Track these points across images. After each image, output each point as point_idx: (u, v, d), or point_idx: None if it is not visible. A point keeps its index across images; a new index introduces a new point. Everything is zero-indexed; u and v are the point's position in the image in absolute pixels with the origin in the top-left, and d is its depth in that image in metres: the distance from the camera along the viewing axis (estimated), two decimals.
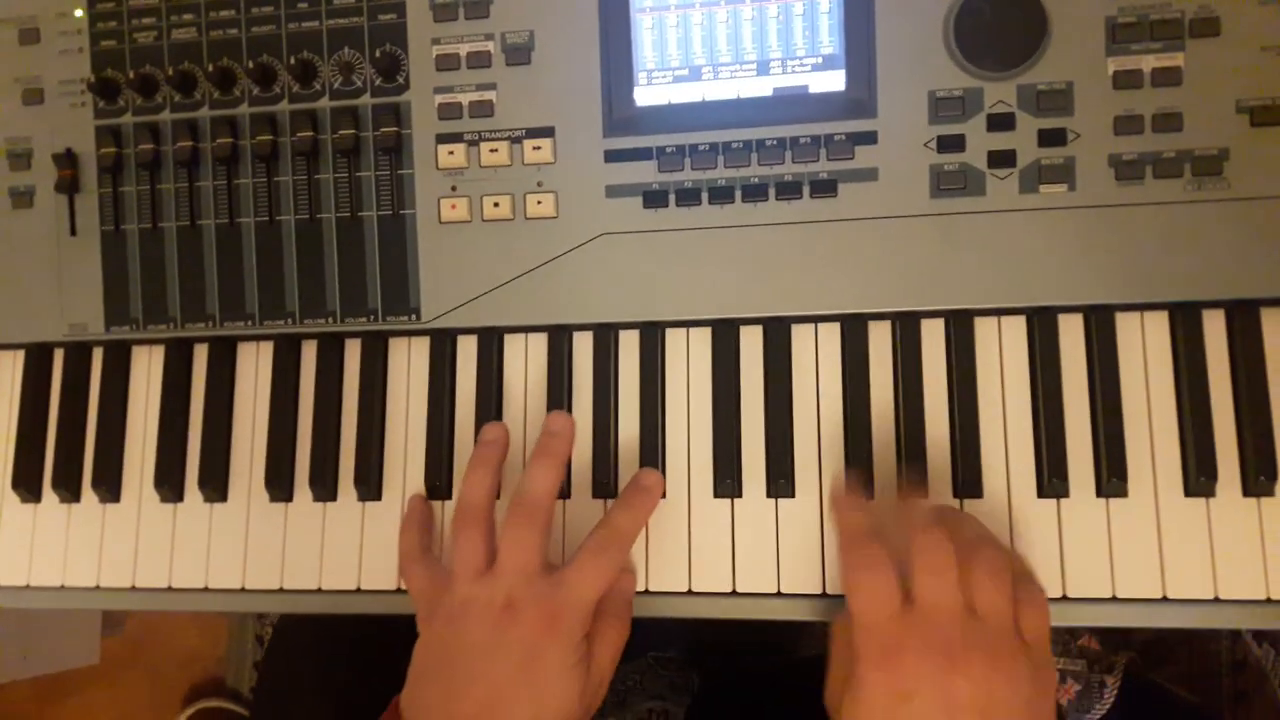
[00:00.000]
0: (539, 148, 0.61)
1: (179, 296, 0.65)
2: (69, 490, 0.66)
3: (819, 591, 0.59)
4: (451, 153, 0.62)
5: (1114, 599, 0.56)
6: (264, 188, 0.64)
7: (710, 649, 1.26)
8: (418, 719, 0.54)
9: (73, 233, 0.66)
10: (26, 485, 0.67)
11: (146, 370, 0.67)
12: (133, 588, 0.65)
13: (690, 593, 0.60)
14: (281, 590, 0.64)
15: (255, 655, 1.38)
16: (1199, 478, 0.56)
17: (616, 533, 0.57)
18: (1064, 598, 0.56)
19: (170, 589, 0.65)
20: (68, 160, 0.65)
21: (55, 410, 0.67)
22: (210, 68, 0.64)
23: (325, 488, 0.63)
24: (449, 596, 0.55)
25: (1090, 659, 1.17)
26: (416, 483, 0.63)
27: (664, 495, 0.60)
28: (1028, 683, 0.48)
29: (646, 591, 0.60)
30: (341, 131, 0.63)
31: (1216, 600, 0.55)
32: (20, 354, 0.68)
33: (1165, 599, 0.56)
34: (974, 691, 0.47)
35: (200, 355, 0.67)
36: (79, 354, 0.67)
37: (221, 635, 1.40)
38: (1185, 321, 0.57)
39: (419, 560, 0.59)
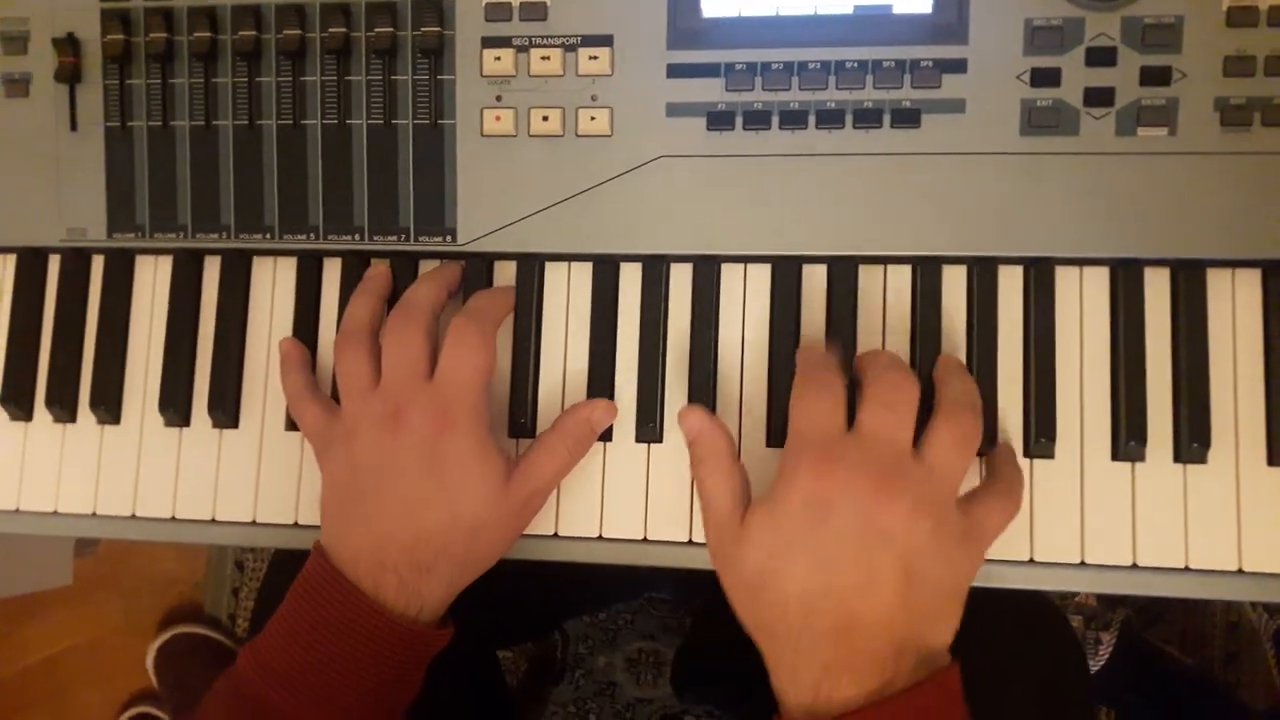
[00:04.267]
0: (595, 58, 0.56)
1: (190, 204, 0.60)
2: (64, 409, 0.61)
3: None
4: (498, 58, 0.57)
5: (1187, 569, 0.54)
6: (289, 88, 0.58)
7: (701, 590, 1.25)
8: (340, 552, 0.52)
9: (73, 127, 0.60)
10: (16, 401, 0.61)
11: (152, 282, 0.62)
12: (133, 516, 0.61)
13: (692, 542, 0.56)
14: (296, 525, 0.60)
15: (235, 581, 1.34)
16: None
17: (478, 311, 0.55)
18: (1134, 566, 0.54)
19: (174, 520, 0.60)
20: (69, 46, 0.59)
21: (50, 322, 0.62)
22: None
23: None
24: (339, 422, 0.54)
25: (1087, 615, 1.16)
26: None
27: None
28: (955, 541, 0.48)
29: (690, 542, 0.57)
30: (378, 29, 0.57)
31: None
32: (11, 258, 0.62)
33: (1240, 571, 0.53)
34: (895, 526, 0.46)
35: (212, 269, 0.61)
36: (77, 261, 0.61)
37: (200, 560, 1.36)
38: (1279, 281, 0.54)
39: (307, 397, 0.57)
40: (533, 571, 0.57)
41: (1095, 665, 1.11)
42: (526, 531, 0.56)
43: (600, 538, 0.57)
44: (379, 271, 0.58)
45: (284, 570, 0.79)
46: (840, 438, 0.49)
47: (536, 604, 0.93)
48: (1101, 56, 0.54)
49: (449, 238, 0.58)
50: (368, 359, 0.54)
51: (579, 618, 1.28)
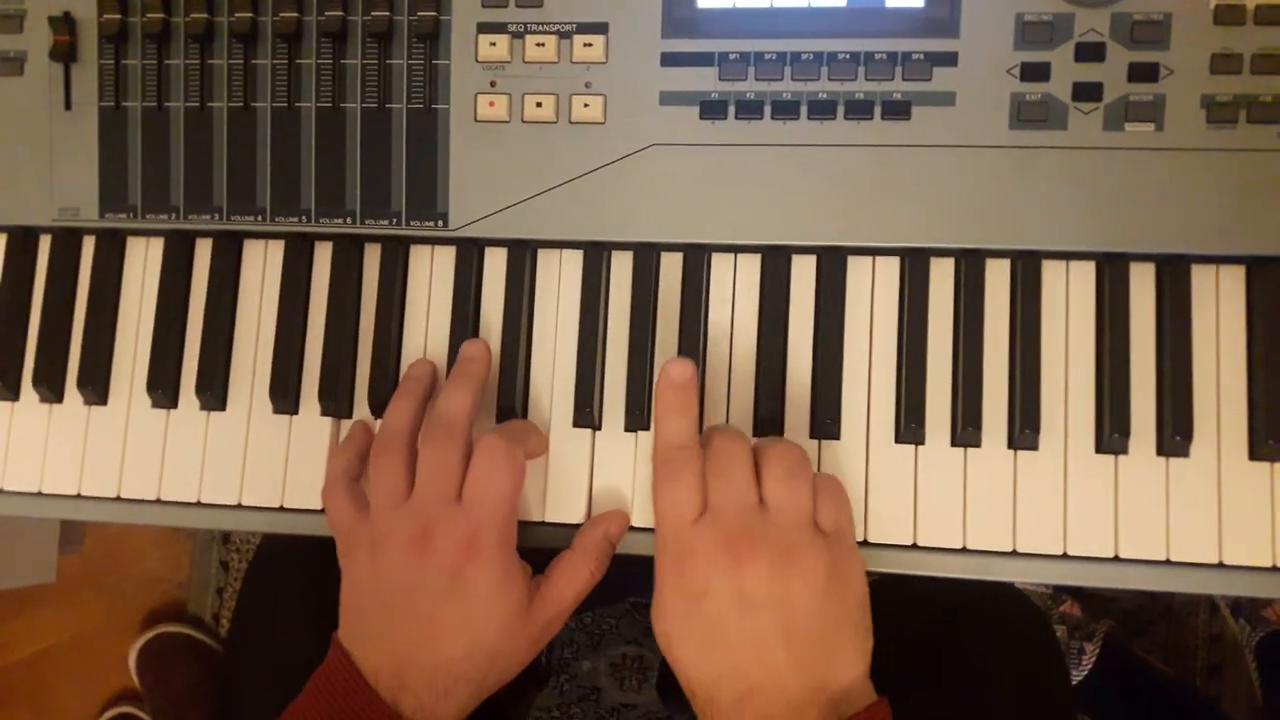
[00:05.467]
0: (590, 45, 0.57)
1: (183, 185, 0.60)
2: (51, 389, 0.61)
3: (860, 539, 0.55)
4: (493, 44, 0.57)
5: (1169, 562, 0.54)
6: (284, 70, 0.59)
7: None
8: (361, 660, 0.51)
9: (67, 106, 0.60)
10: (3, 380, 0.61)
11: (143, 263, 0.61)
12: (118, 498, 0.60)
13: None
14: (282, 509, 0.59)
15: (219, 581, 1.34)
16: (1268, 441, 0.53)
17: (508, 433, 0.54)
18: (1116, 558, 0.54)
19: (159, 502, 0.60)
20: (65, 25, 0.59)
21: (39, 302, 0.62)
22: None
23: (336, 402, 0.59)
24: (367, 529, 0.53)
25: (1071, 625, 1.16)
26: None
27: (702, 430, 0.57)
28: (824, 574, 0.48)
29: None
30: (374, 13, 0.57)
31: (1275, 568, 0.53)
32: (2, 237, 0.62)
33: (1221, 565, 0.54)
34: (766, 586, 0.47)
35: (203, 250, 0.61)
36: (68, 241, 0.61)
37: (184, 559, 1.35)
38: (1264, 278, 0.54)
39: (343, 489, 0.56)
40: None
41: (1078, 675, 1.11)
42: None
43: None
44: (420, 373, 0.57)
45: (262, 574, 0.79)
46: (691, 525, 0.49)
47: None
48: (1090, 52, 0.54)
49: (440, 222, 0.58)
50: (404, 470, 0.54)
51: None
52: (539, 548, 0.57)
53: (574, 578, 0.54)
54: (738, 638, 0.47)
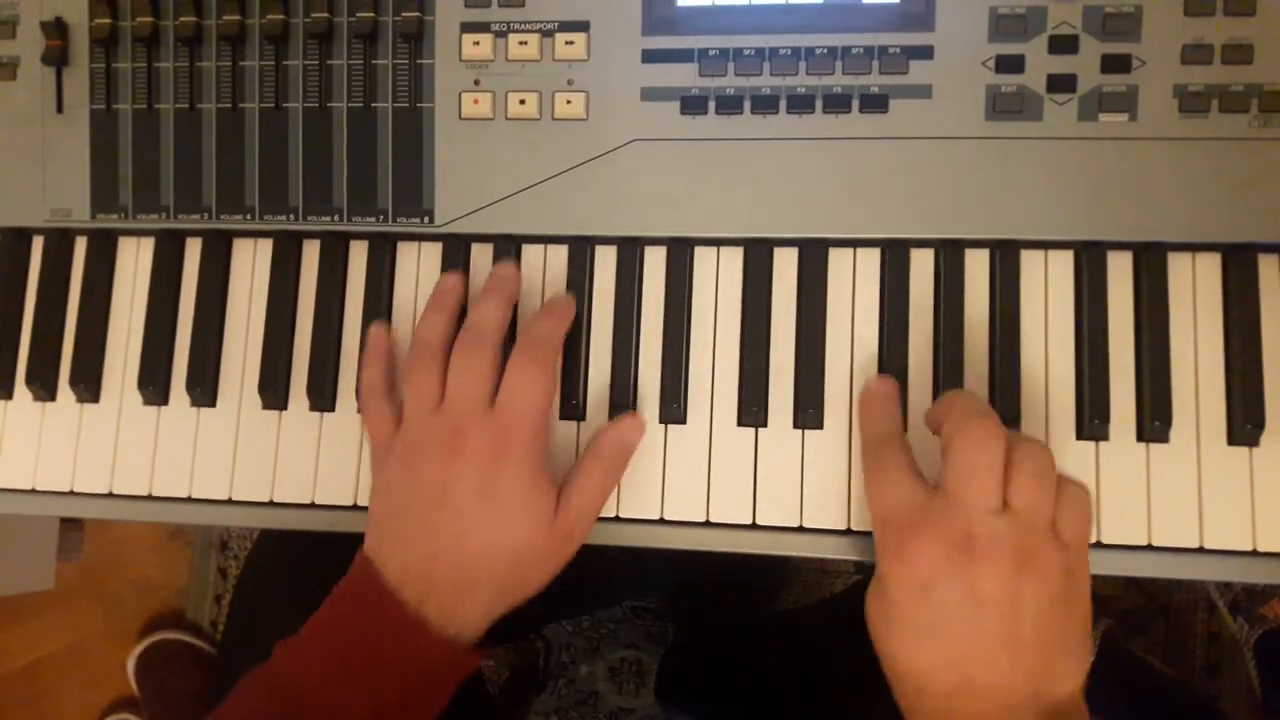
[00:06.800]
0: (571, 43, 0.57)
1: (173, 185, 0.61)
2: (44, 387, 0.62)
3: (843, 527, 0.56)
4: (477, 43, 0.58)
5: (1150, 547, 0.54)
6: (271, 71, 0.59)
7: (687, 599, 1.25)
8: (387, 565, 0.52)
9: (59, 109, 0.61)
10: None
11: (134, 263, 0.62)
12: (110, 494, 0.61)
13: (708, 523, 0.57)
14: (271, 503, 0.60)
15: (218, 587, 1.34)
16: (1244, 426, 0.54)
17: (540, 340, 0.55)
18: (1098, 544, 0.54)
19: (150, 498, 0.61)
20: (57, 29, 0.60)
21: (32, 301, 0.63)
22: None
23: (323, 397, 0.59)
24: (401, 437, 0.54)
25: None
26: None
27: (684, 420, 0.57)
28: (1058, 582, 0.47)
29: (662, 521, 0.57)
30: (359, 14, 0.58)
31: (1254, 552, 0.54)
32: None
33: (1202, 549, 0.54)
34: (999, 586, 0.46)
35: (193, 249, 0.62)
36: (60, 241, 0.62)
37: (182, 566, 1.36)
38: (1239, 264, 0.55)
39: (381, 396, 0.57)
40: None
41: None
42: None
43: None
44: (451, 286, 0.58)
45: (255, 574, 0.79)
46: (917, 510, 0.48)
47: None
48: (1064, 44, 0.55)
49: (427, 219, 0.59)
50: (438, 378, 0.55)
51: (560, 625, 1.27)
52: None
53: (589, 480, 0.55)
54: (961, 632, 0.47)
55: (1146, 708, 1.13)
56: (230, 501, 0.60)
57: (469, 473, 0.52)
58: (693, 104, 0.57)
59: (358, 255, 0.61)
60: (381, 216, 0.59)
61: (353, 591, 0.53)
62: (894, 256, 0.57)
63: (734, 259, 0.59)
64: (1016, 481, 0.48)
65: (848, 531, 0.56)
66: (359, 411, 0.59)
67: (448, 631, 0.52)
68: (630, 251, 0.59)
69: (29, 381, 0.62)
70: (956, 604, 0.47)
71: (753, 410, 0.57)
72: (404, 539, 0.53)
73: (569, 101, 0.58)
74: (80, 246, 0.63)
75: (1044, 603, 0.47)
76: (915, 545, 0.48)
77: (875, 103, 0.56)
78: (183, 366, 0.61)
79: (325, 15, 0.58)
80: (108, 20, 0.60)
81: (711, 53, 0.57)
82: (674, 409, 0.57)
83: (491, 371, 0.54)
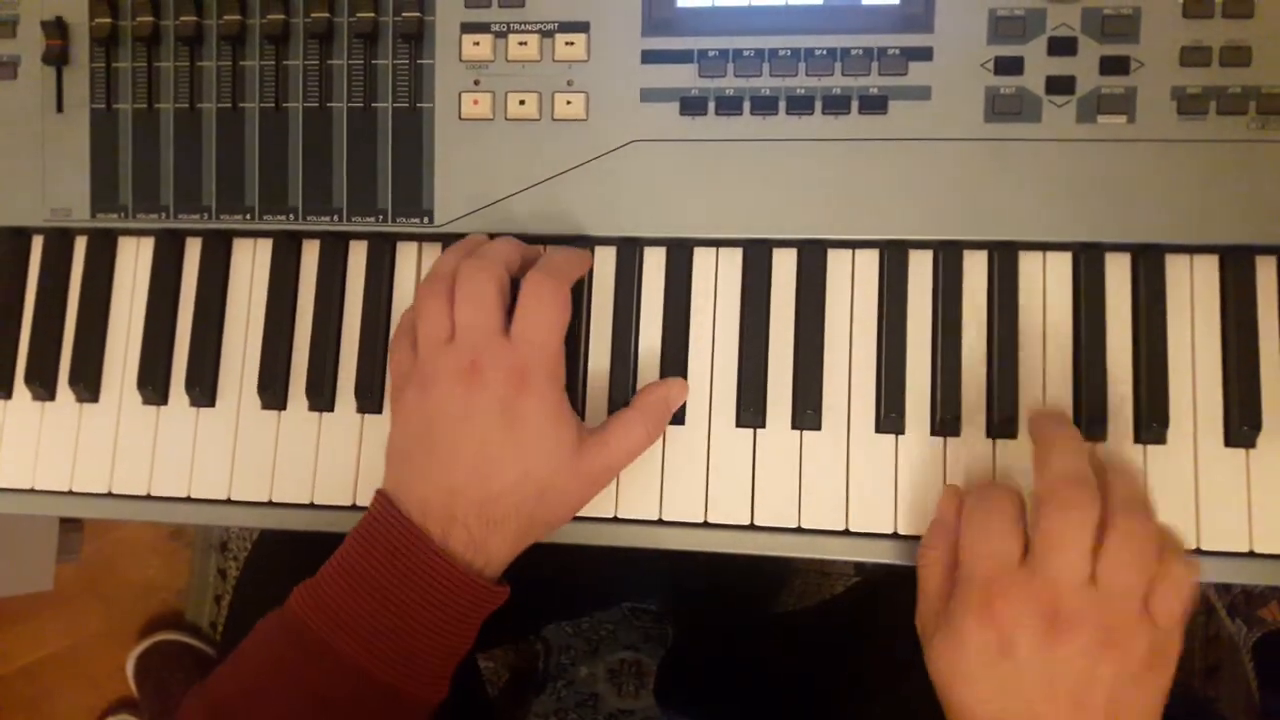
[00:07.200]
0: (571, 43, 0.58)
1: (173, 185, 0.61)
2: (43, 387, 0.62)
3: (841, 528, 0.56)
4: (477, 43, 0.58)
5: None
6: (272, 71, 0.60)
7: (686, 601, 1.25)
8: (408, 499, 0.51)
9: (59, 109, 0.61)
10: None
11: (134, 262, 0.62)
12: (109, 494, 0.61)
13: (707, 524, 0.57)
14: (270, 503, 0.60)
15: (218, 588, 1.34)
16: (1241, 427, 0.54)
17: (555, 266, 0.54)
18: None
19: (149, 497, 0.61)
20: (57, 29, 0.60)
21: (31, 301, 0.63)
22: None
23: (322, 397, 0.60)
24: (417, 369, 0.53)
25: None
26: None
27: (683, 421, 0.58)
28: (1140, 663, 0.46)
29: (660, 521, 0.57)
30: (360, 14, 0.58)
31: (1251, 554, 0.54)
32: None
33: (1199, 551, 0.54)
34: (1078, 660, 0.46)
35: (193, 249, 0.62)
36: (60, 241, 0.62)
37: (182, 567, 1.36)
38: (1237, 266, 0.55)
39: (404, 334, 0.56)
40: (510, 572, 0.57)
41: None
42: None
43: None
44: (476, 236, 0.57)
45: (254, 576, 0.79)
46: (1011, 570, 0.48)
47: (512, 606, 0.93)
48: (1063, 46, 0.55)
49: (426, 219, 0.59)
50: (449, 310, 0.53)
51: (560, 626, 1.28)
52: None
53: (629, 432, 0.54)
54: (1035, 694, 0.46)
55: None
56: (229, 501, 0.60)
57: (489, 405, 0.51)
58: (692, 105, 0.57)
59: (357, 255, 0.61)
60: (381, 217, 0.59)
61: (374, 528, 0.51)
62: (893, 258, 0.57)
63: (733, 260, 0.59)
64: (1109, 560, 0.47)
65: (846, 532, 0.56)
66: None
67: (474, 565, 0.51)
68: (629, 252, 0.59)
69: (28, 381, 0.62)
70: (1034, 669, 0.46)
71: (751, 411, 0.57)
72: (423, 472, 0.52)
73: (569, 102, 0.58)
74: (80, 246, 0.63)
75: (1123, 679, 0.46)
76: (1002, 606, 0.47)
77: (874, 104, 0.56)
78: (182, 366, 0.61)
79: (325, 15, 0.59)
80: (108, 20, 0.60)
81: (711, 54, 0.57)
82: None
83: (499, 297, 0.53)
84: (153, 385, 0.61)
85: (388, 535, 0.50)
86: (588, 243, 0.59)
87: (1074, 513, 0.47)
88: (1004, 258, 0.56)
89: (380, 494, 0.53)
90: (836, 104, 0.56)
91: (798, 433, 0.57)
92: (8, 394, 0.62)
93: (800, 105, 0.56)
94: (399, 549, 0.50)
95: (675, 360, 0.58)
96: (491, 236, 0.59)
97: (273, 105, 0.60)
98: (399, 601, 0.50)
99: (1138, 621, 0.46)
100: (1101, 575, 0.46)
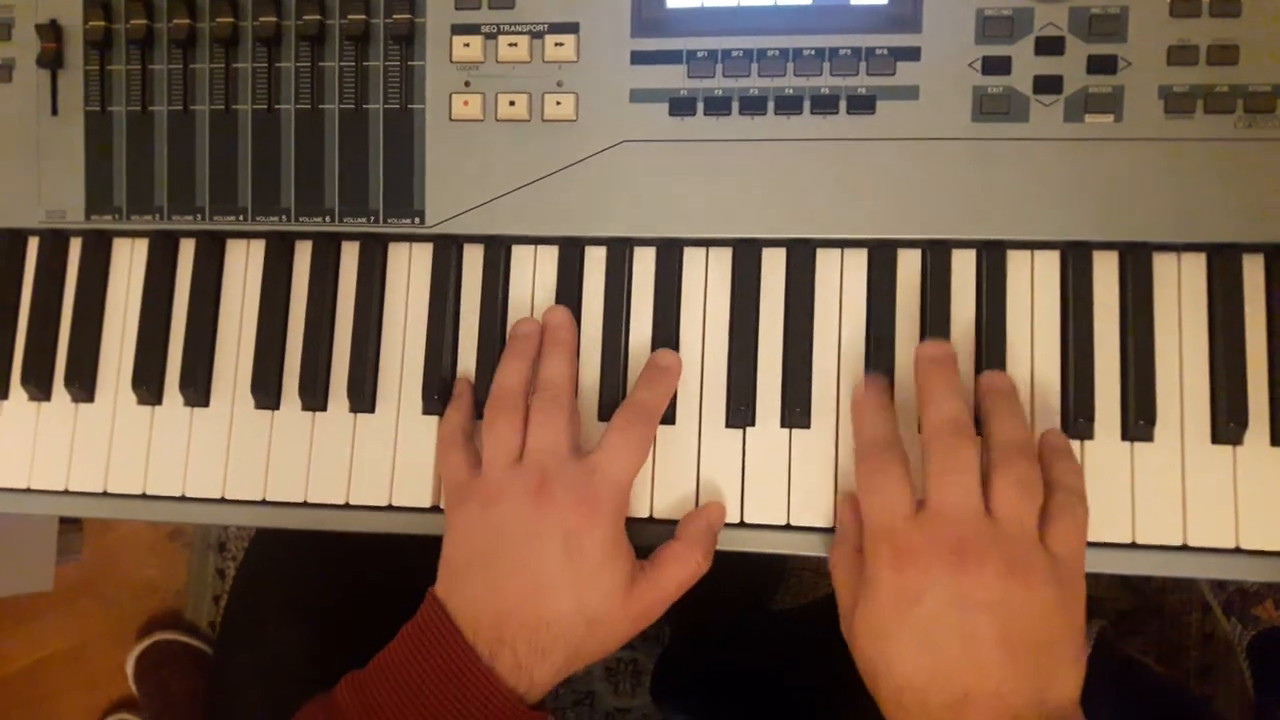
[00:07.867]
0: (561, 44, 0.58)
1: (167, 186, 0.61)
2: (39, 387, 0.62)
3: (830, 525, 0.56)
4: (467, 45, 0.59)
5: (1134, 545, 0.54)
6: (264, 73, 0.60)
7: (682, 599, 1.25)
8: (459, 612, 0.51)
9: (54, 112, 0.62)
10: None
11: (128, 263, 0.63)
12: (105, 493, 0.62)
13: None
14: (265, 502, 0.60)
15: (216, 588, 1.35)
16: (1228, 424, 0.54)
17: (641, 408, 0.55)
18: None
19: (145, 496, 0.61)
20: (52, 32, 0.61)
21: (27, 302, 0.63)
22: None
23: (315, 396, 0.60)
24: (482, 483, 0.54)
25: None
26: (413, 396, 0.60)
27: (673, 420, 0.58)
28: (1048, 591, 0.48)
29: (651, 520, 0.58)
30: (351, 16, 0.59)
31: (1238, 550, 0.54)
32: None
33: (1186, 547, 0.54)
34: (990, 591, 0.47)
35: (186, 250, 0.62)
36: (55, 243, 0.63)
37: (181, 567, 1.36)
38: (1223, 264, 0.55)
39: (459, 446, 0.57)
40: None
41: None
42: None
43: None
44: (529, 331, 0.58)
45: (250, 575, 0.79)
46: (909, 521, 0.49)
47: None
48: (1050, 45, 0.55)
49: (418, 220, 0.59)
50: (518, 428, 0.55)
51: None
52: None
53: (681, 567, 0.54)
54: (956, 640, 0.47)
55: (1141, 708, 1.13)
56: (224, 500, 0.61)
57: (554, 529, 0.51)
58: (681, 105, 0.57)
59: (349, 256, 0.61)
60: (373, 217, 0.60)
61: (426, 633, 0.52)
62: (881, 257, 0.57)
63: (722, 259, 0.59)
64: (997, 488, 0.49)
65: (834, 529, 0.56)
66: (437, 455, 0.59)
67: (517, 690, 0.51)
68: (619, 252, 0.59)
69: (24, 381, 0.62)
70: (949, 610, 0.47)
71: (741, 410, 0.57)
72: (477, 586, 0.52)
73: (559, 103, 0.58)
74: (75, 247, 0.63)
75: (1035, 608, 0.47)
76: (907, 548, 0.48)
77: (862, 104, 0.56)
78: (176, 366, 0.61)
79: (317, 18, 0.59)
80: (102, 23, 0.60)
81: (700, 54, 0.57)
82: None
83: (570, 426, 0.55)
84: (147, 385, 0.61)
85: (437, 646, 0.51)
86: (578, 243, 0.59)
87: (958, 451, 0.49)
88: (992, 256, 0.57)
89: (432, 598, 0.53)
90: (825, 104, 0.56)
91: (787, 431, 0.57)
92: (4, 394, 0.63)
93: (789, 105, 0.57)
94: (445, 663, 0.50)
95: None
96: (493, 245, 0.59)
97: (265, 107, 0.60)
98: (438, 713, 0.50)
99: (1036, 550, 0.48)
100: (994, 508, 0.49)
